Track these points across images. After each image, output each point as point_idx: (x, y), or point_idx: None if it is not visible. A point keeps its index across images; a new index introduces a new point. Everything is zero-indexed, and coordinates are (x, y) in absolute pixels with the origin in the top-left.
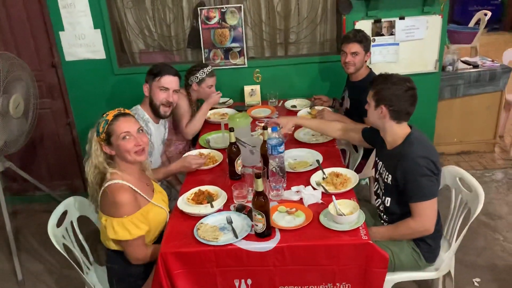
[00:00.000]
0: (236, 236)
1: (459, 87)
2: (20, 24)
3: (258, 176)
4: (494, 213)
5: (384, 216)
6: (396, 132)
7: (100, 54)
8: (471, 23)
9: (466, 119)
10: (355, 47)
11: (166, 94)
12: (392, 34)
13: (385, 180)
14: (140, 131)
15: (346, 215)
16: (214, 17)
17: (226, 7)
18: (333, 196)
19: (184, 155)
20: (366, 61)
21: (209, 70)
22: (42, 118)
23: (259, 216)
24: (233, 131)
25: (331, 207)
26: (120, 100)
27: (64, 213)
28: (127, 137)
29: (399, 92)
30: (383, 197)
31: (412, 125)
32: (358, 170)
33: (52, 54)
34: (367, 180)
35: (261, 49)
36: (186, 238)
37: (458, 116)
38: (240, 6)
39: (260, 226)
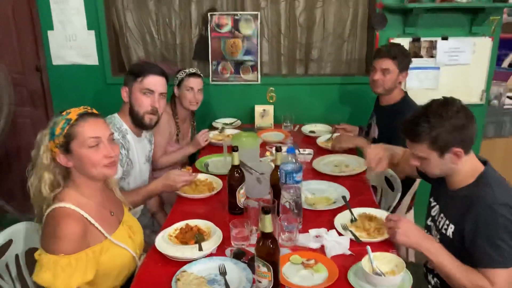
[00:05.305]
0: None
1: (505, 124)
2: (4, 20)
3: (266, 211)
4: None
5: (435, 280)
6: (466, 168)
7: (93, 60)
8: (504, 64)
9: (510, 162)
10: (386, 63)
11: (150, 98)
12: (432, 56)
13: (443, 231)
14: (112, 139)
15: (386, 275)
16: (226, 24)
17: (240, 14)
18: (368, 247)
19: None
20: (400, 83)
21: (192, 71)
22: (20, 129)
23: (264, 269)
24: (237, 150)
25: (365, 262)
26: (111, 114)
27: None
28: (97, 144)
29: (461, 122)
30: None
31: (486, 160)
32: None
33: (38, 56)
34: None
35: (278, 65)
36: None
37: (501, 158)
38: (257, 14)
39: (265, 283)
